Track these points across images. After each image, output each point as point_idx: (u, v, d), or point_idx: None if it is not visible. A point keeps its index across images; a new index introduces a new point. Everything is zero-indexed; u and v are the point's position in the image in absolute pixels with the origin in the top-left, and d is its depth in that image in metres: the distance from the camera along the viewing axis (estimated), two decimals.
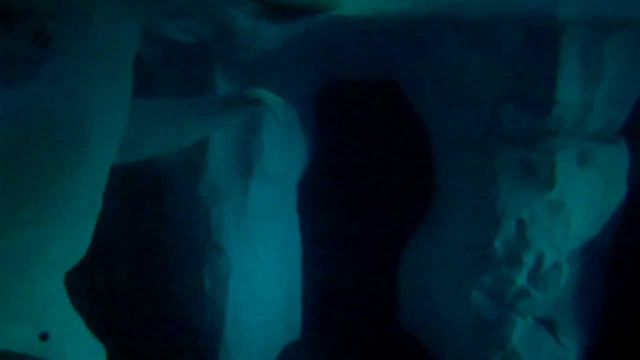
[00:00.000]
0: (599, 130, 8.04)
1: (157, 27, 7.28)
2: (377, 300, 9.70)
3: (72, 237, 5.14)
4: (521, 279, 8.19)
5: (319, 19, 7.36)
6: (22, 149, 4.34)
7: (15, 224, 4.53)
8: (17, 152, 4.32)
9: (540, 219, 8.03)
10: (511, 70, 7.62)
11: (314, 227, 9.68)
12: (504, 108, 7.77)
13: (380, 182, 9.92)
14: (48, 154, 4.50)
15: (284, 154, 8.91)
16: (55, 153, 4.55)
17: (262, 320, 8.88)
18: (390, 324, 9.42)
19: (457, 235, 8.61)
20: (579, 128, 7.76)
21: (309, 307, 9.61)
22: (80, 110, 4.66)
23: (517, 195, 8.03)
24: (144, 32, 6.51)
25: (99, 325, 6.08)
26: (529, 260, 8.15)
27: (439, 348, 8.82)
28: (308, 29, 7.70)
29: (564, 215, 8.01)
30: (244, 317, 8.64)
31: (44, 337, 5.10)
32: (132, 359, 8.29)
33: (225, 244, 8.53)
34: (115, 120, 5.30)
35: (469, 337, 8.46)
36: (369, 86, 9.44)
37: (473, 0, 7.21)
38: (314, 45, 8.31)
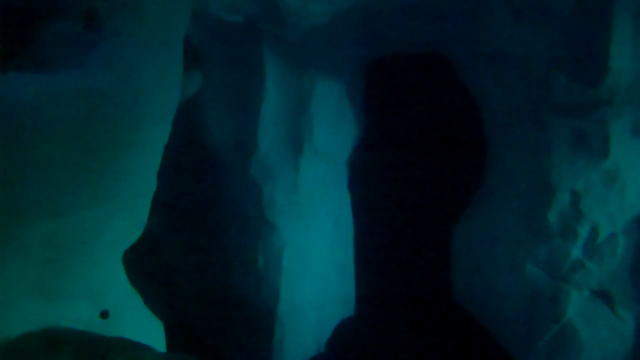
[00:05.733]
0: None
1: (206, 7, 7.32)
2: (430, 275, 9.69)
3: (128, 216, 5.25)
4: (576, 251, 8.08)
5: None
6: (76, 131, 4.43)
7: (72, 205, 4.64)
8: (72, 134, 4.40)
9: (595, 190, 7.89)
10: (563, 39, 7.47)
11: (365, 203, 9.71)
12: (556, 78, 7.63)
13: (431, 156, 9.87)
14: (102, 136, 4.59)
15: (333, 131, 8.92)
16: (109, 134, 4.64)
17: (315, 296, 8.97)
18: (444, 298, 9.42)
19: (510, 207, 8.54)
20: (633, 96, 7.54)
21: (362, 283, 9.66)
22: (133, 92, 4.74)
23: (570, 166, 7.89)
24: (193, 12, 6.57)
25: (155, 302, 6.21)
26: (583, 231, 8.02)
27: (493, 321, 8.78)
28: (355, 4, 7.67)
29: (619, 185, 7.84)
30: (298, 293, 8.73)
31: (104, 315, 5.22)
32: (188, 335, 8.46)
33: (277, 221, 8.61)
34: (166, 101, 5.38)
35: (523, 310, 8.39)
36: (418, 61, 9.39)
37: None
38: (362, 21, 8.28)
